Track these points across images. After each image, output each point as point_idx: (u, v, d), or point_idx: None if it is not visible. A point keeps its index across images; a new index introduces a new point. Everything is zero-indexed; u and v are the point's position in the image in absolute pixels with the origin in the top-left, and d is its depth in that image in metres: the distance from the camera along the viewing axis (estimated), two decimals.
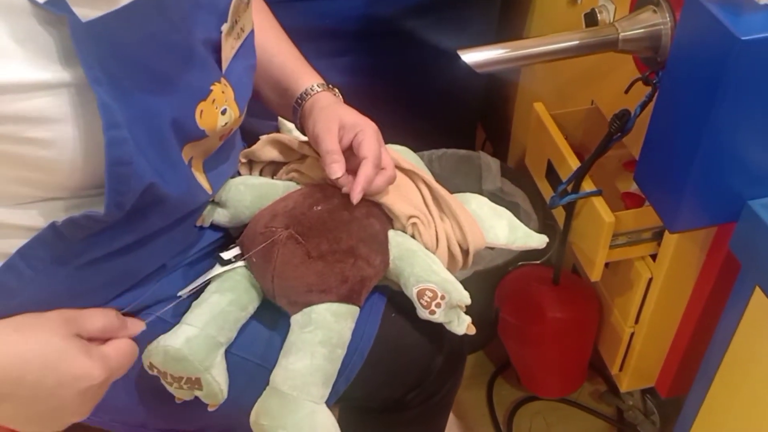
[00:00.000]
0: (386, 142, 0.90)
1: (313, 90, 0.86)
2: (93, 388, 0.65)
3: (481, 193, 1.52)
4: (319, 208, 0.79)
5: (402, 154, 0.93)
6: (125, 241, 0.69)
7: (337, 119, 0.80)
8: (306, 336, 0.75)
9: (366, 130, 0.79)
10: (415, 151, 1.47)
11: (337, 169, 0.77)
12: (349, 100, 1.38)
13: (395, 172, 0.80)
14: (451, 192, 0.88)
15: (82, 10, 0.57)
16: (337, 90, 0.90)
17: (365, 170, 0.77)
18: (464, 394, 1.50)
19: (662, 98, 0.83)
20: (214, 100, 0.72)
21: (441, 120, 1.53)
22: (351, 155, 0.79)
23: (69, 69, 0.58)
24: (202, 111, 0.71)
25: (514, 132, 1.58)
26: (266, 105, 0.93)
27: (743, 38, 0.69)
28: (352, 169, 0.78)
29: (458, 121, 1.60)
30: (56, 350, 0.63)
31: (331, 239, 0.77)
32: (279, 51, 0.91)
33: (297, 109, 0.87)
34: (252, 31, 0.80)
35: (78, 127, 0.60)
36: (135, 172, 0.62)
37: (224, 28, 0.73)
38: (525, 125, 1.30)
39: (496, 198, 1.51)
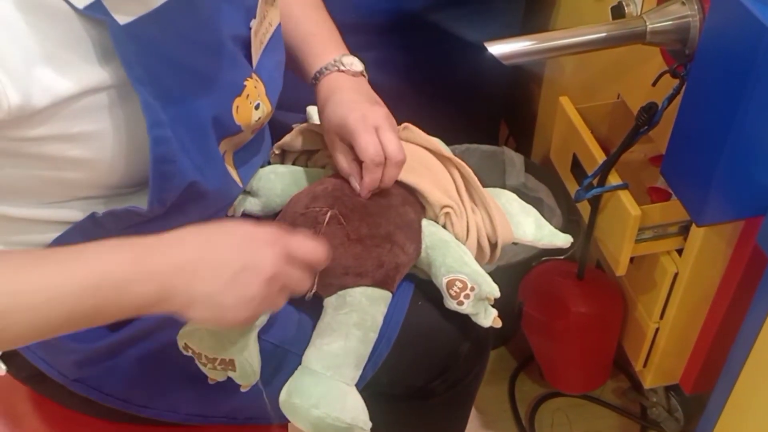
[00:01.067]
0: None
1: (332, 66, 0.84)
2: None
3: (504, 188, 1.53)
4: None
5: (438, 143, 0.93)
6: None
7: (332, 125, 0.80)
8: (341, 317, 0.76)
9: (351, 130, 0.77)
10: None
11: (355, 183, 0.79)
12: None
13: (403, 155, 0.78)
14: (483, 186, 0.88)
15: (118, 14, 0.59)
16: (356, 62, 0.87)
17: (367, 176, 0.77)
18: (486, 389, 1.49)
19: (690, 91, 0.83)
20: (248, 96, 0.74)
21: (465, 115, 1.52)
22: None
23: (110, 71, 0.60)
24: (238, 107, 0.72)
25: (538, 127, 1.57)
26: (291, 69, 0.89)
27: None
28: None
29: (482, 117, 1.60)
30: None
31: (371, 223, 0.77)
32: (307, 18, 0.89)
33: (315, 81, 0.85)
34: (279, 25, 0.80)
35: (119, 128, 0.62)
36: (179, 169, 0.64)
37: (253, 24, 0.74)
38: (550, 119, 1.29)
39: (520, 193, 1.50)
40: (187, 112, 0.66)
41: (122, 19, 0.59)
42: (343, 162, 0.79)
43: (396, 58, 1.36)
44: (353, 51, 1.34)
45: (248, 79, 0.74)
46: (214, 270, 0.61)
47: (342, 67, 0.86)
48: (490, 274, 1.29)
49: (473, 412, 1.45)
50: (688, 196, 0.88)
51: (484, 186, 0.90)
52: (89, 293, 0.57)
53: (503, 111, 1.73)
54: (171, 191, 0.65)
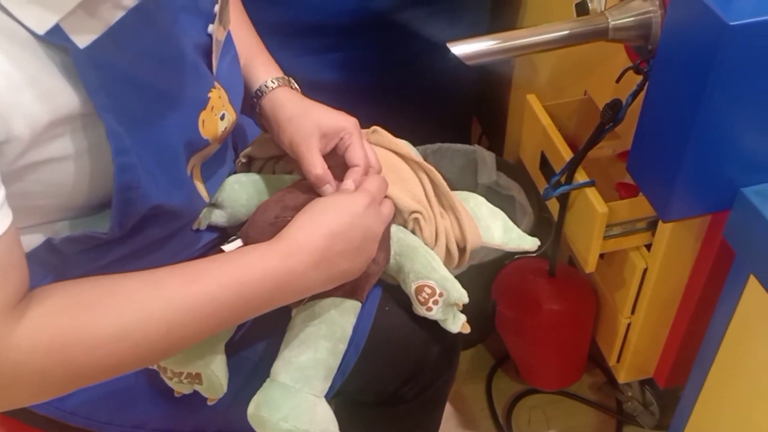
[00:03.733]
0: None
1: (268, 86, 0.83)
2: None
3: (477, 186, 1.53)
4: None
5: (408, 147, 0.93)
6: (121, 253, 0.69)
7: (315, 129, 0.78)
8: (310, 329, 0.75)
9: (351, 132, 0.78)
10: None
11: (330, 190, 0.77)
12: (340, 97, 1.38)
13: (380, 166, 0.80)
14: (451, 189, 0.88)
15: (78, 36, 0.57)
16: (292, 80, 0.87)
17: (357, 180, 0.76)
18: (463, 388, 1.49)
19: (653, 87, 0.83)
20: (213, 108, 0.72)
21: (435, 114, 1.52)
22: (334, 154, 0.79)
23: (78, 97, 0.58)
24: (204, 120, 0.71)
25: (509, 125, 1.57)
26: None
27: (732, 23, 0.68)
28: (337, 168, 0.78)
29: (453, 115, 1.60)
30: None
31: None
32: (241, 36, 0.87)
33: (255, 104, 0.84)
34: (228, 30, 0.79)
35: (83, 154, 0.60)
36: (142, 194, 0.63)
37: (212, 28, 0.72)
38: (520, 117, 1.29)
39: (492, 191, 1.51)
40: (153, 134, 0.64)
41: (82, 41, 0.57)
42: (320, 168, 0.77)
43: (363, 58, 1.35)
44: (320, 52, 1.34)
45: (212, 90, 0.73)
46: (344, 250, 0.69)
47: (293, 85, 0.86)
48: (462, 275, 1.29)
49: (450, 412, 1.46)
50: (653, 192, 0.88)
51: (455, 188, 0.90)
52: (246, 301, 0.65)
53: (475, 109, 1.73)
54: (133, 216, 0.63)
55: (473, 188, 1.52)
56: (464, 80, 1.51)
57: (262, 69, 0.85)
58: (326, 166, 0.77)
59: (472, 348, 1.56)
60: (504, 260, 1.34)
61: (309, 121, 0.78)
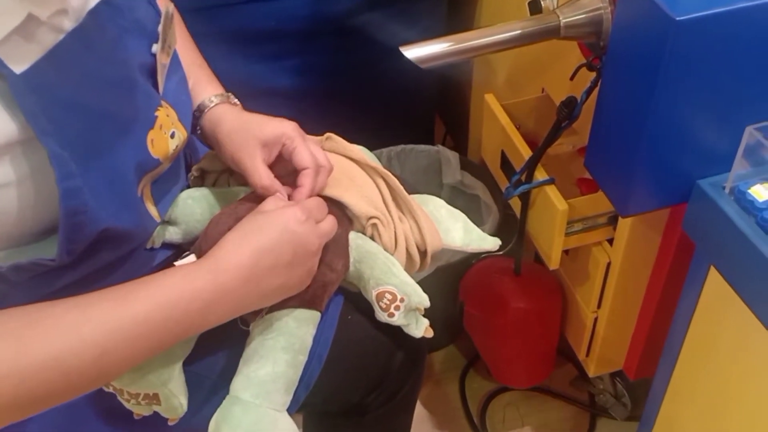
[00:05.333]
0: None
1: (206, 105, 0.82)
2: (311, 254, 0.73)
3: (441, 186, 1.54)
4: None
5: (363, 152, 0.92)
6: (73, 278, 0.67)
7: (255, 140, 0.77)
8: (268, 342, 0.74)
9: (291, 136, 0.77)
10: (373, 148, 1.47)
11: (281, 198, 0.76)
12: (298, 103, 1.38)
13: (330, 163, 0.79)
14: (410, 193, 0.87)
15: (13, 62, 0.55)
16: (232, 95, 0.86)
17: (309, 182, 0.76)
18: (437, 390, 1.49)
19: (606, 83, 0.83)
20: (161, 126, 0.71)
21: (397, 115, 1.52)
22: (282, 162, 0.78)
23: (17, 123, 0.56)
24: (153, 140, 0.70)
25: (472, 124, 1.58)
26: None
27: (678, 18, 0.69)
28: (288, 176, 0.77)
29: (415, 116, 1.60)
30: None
31: None
32: (183, 53, 0.85)
33: (196, 123, 0.83)
34: (175, 49, 0.78)
35: (27, 180, 0.59)
36: (90, 219, 0.61)
37: (156, 49, 0.71)
38: (481, 117, 1.30)
39: (457, 191, 1.52)
40: (101, 157, 0.63)
41: (19, 66, 0.56)
42: (266, 179, 0.76)
43: (320, 63, 1.35)
44: (276, 59, 1.33)
45: (159, 108, 0.72)
46: (274, 266, 0.68)
47: (233, 100, 0.85)
48: (429, 276, 1.29)
49: (425, 414, 1.46)
50: (611, 188, 0.88)
51: (415, 191, 0.90)
52: (178, 321, 0.64)
53: (438, 110, 1.73)
54: (81, 241, 0.62)
55: (438, 188, 1.53)
56: (424, 81, 1.51)
57: (201, 87, 0.84)
58: (272, 176, 0.76)
59: (443, 349, 1.56)
60: (471, 260, 1.35)
61: (247, 134, 0.78)
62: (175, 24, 0.76)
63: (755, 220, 0.78)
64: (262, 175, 0.76)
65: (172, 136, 0.73)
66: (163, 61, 0.73)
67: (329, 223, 0.75)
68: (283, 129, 0.77)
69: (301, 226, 0.70)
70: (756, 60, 0.75)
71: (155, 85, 0.73)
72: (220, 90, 0.85)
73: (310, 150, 0.77)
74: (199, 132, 0.84)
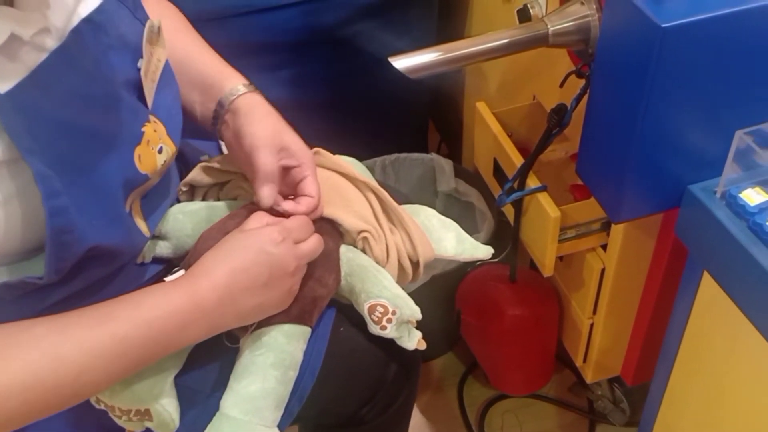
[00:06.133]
0: (337, 153, 0.89)
1: (238, 90, 0.82)
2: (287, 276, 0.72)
3: (436, 194, 1.54)
4: None
5: (352, 165, 0.92)
6: (63, 295, 0.67)
7: (279, 141, 0.78)
8: (257, 359, 0.74)
9: (308, 164, 0.79)
10: (368, 157, 1.48)
11: (268, 193, 0.76)
12: (293, 114, 1.37)
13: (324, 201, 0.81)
14: (401, 203, 0.88)
15: None
16: (260, 91, 0.85)
17: (310, 208, 0.77)
18: (435, 397, 1.49)
19: (595, 90, 0.84)
20: (148, 142, 0.71)
21: (390, 125, 1.52)
22: (282, 172, 0.79)
23: (2, 143, 0.56)
24: (140, 156, 0.70)
25: (465, 132, 1.58)
26: (185, 111, 0.86)
27: (664, 26, 0.69)
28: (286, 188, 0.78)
29: (408, 125, 1.60)
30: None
31: None
32: (198, 51, 0.87)
33: (220, 111, 0.82)
34: (167, 61, 0.78)
35: (13, 200, 0.59)
36: (77, 237, 0.61)
37: (141, 64, 0.71)
38: (474, 125, 1.30)
39: (451, 199, 1.52)
40: (87, 175, 0.63)
41: (3, 86, 0.56)
42: (271, 176, 0.77)
43: (313, 74, 1.35)
44: (269, 70, 1.33)
45: (146, 124, 0.72)
46: (249, 287, 0.69)
47: (252, 89, 0.83)
48: (426, 285, 1.29)
49: (423, 421, 1.46)
50: (603, 194, 0.88)
51: (413, 194, 0.90)
52: (155, 339, 0.64)
53: (429, 116, 1.73)
54: (69, 259, 0.62)
55: (433, 196, 1.53)
56: (417, 90, 1.51)
57: (233, 76, 0.83)
58: (277, 168, 0.77)
59: (441, 357, 1.56)
60: (467, 268, 1.35)
61: (276, 131, 0.78)
62: (163, 37, 0.76)
63: (747, 224, 0.78)
64: (272, 172, 0.76)
65: (160, 151, 0.73)
66: (150, 76, 0.73)
67: (311, 244, 0.75)
68: (303, 152, 0.79)
69: (277, 247, 0.71)
70: (743, 64, 0.76)
71: (142, 99, 0.72)
72: (246, 81, 0.84)
73: (319, 185, 0.79)
74: (221, 117, 0.82)
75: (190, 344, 0.69)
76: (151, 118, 0.73)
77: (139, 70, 0.71)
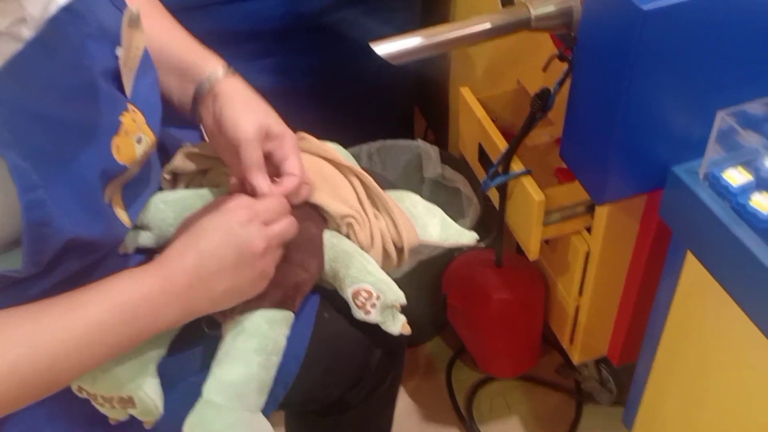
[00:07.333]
0: (322, 140, 0.89)
1: (218, 74, 0.81)
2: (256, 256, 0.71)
3: (423, 181, 1.54)
4: None
5: (337, 151, 0.92)
6: (43, 286, 0.67)
7: (264, 129, 0.77)
8: (240, 344, 0.74)
9: (291, 144, 0.78)
10: (353, 144, 1.47)
11: (264, 183, 0.76)
12: (278, 102, 1.37)
13: (312, 183, 0.81)
14: (386, 189, 0.88)
15: None
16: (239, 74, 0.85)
17: (291, 187, 0.77)
18: (423, 382, 1.50)
19: (578, 73, 0.84)
20: (127, 131, 0.70)
21: (376, 111, 1.52)
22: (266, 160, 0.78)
23: None
24: (118, 146, 0.69)
25: (451, 117, 1.58)
26: (163, 95, 0.84)
27: (645, 8, 0.70)
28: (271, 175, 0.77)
29: (394, 111, 1.60)
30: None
31: None
32: (175, 36, 0.85)
33: (199, 95, 0.81)
34: (146, 49, 0.77)
35: None
36: (55, 230, 0.61)
37: (120, 53, 0.71)
38: (459, 111, 1.30)
39: (438, 185, 1.52)
40: (65, 167, 0.62)
41: None
42: (255, 157, 0.76)
43: (297, 62, 1.35)
44: (253, 59, 1.33)
45: (124, 113, 0.70)
46: (218, 269, 0.68)
47: (231, 73, 0.82)
48: (413, 270, 1.30)
49: (412, 406, 1.46)
50: (586, 176, 0.89)
51: (400, 181, 0.90)
52: (128, 324, 0.64)
53: (418, 104, 1.73)
54: (47, 252, 0.61)
55: (419, 183, 1.53)
56: (402, 76, 1.51)
57: (210, 59, 0.82)
58: (263, 160, 0.76)
59: (429, 342, 1.56)
60: (453, 253, 1.35)
61: (259, 110, 0.78)
62: (142, 25, 0.75)
63: (730, 204, 0.79)
64: (257, 155, 0.76)
65: (139, 141, 0.72)
66: (129, 65, 0.72)
67: (282, 225, 0.74)
68: (286, 132, 0.78)
69: (244, 227, 0.70)
70: (724, 46, 0.76)
71: (121, 89, 0.72)
72: (224, 63, 0.83)
73: (302, 164, 0.78)
74: (200, 101, 0.81)
75: (167, 329, 0.68)
76: (130, 107, 0.72)
77: (117, 58, 0.70)
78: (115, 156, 0.68)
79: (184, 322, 0.70)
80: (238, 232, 0.70)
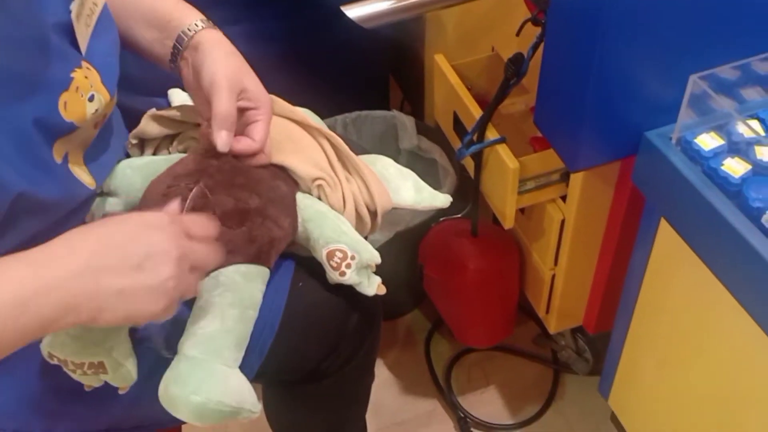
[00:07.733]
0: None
1: (198, 26, 0.78)
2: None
3: (399, 152, 1.53)
4: (225, 166, 0.76)
5: (307, 115, 0.91)
6: (3, 249, 0.65)
7: (240, 82, 0.75)
8: (215, 299, 0.72)
9: (265, 111, 0.77)
10: (329, 115, 1.46)
11: (225, 139, 0.74)
12: None
13: (270, 156, 0.79)
14: (357, 153, 0.86)
15: None
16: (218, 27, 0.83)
17: (247, 150, 0.76)
18: (402, 354, 1.50)
19: (551, 38, 0.83)
20: (77, 88, 0.68)
21: (350, 81, 1.50)
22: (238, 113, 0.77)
23: None
24: (66, 102, 0.67)
25: (427, 87, 1.57)
26: (138, 49, 0.83)
27: None
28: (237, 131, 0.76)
29: (369, 81, 1.58)
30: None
31: (238, 197, 0.75)
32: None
33: (179, 47, 0.79)
34: (105, 4, 0.75)
35: None
36: (0, 183, 0.59)
37: (73, 7, 0.69)
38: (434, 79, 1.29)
39: (414, 156, 1.51)
40: (7, 119, 0.60)
41: None
42: (226, 106, 0.73)
43: (269, 29, 1.32)
44: (223, 25, 1.30)
45: (76, 69, 0.69)
46: (117, 265, 0.59)
47: (211, 26, 0.81)
48: (390, 241, 1.29)
49: (391, 379, 1.47)
50: (560, 143, 0.88)
51: (376, 152, 0.89)
52: (13, 312, 0.54)
53: (394, 74, 1.71)
54: None
55: (395, 154, 1.52)
56: (376, 44, 1.49)
57: (189, 11, 0.80)
58: (234, 113, 0.74)
59: (407, 314, 1.56)
60: (430, 223, 1.35)
61: (239, 70, 0.76)
62: None
63: (701, 169, 0.79)
64: (229, 105, 0.73)
65: (91, 99, 0.70)
66: (84, 20, 0.70)
67: (204, 247, 0.66)
68: (263, 97, 0.77)
69: (161, 228, 0.62)
70: (697, 9, 0.75)
71: (75, 44, 0.70)
72: (203, 17, 0.81)
73: (268, 135, 0.76)
74: (180, 54, 0.79)
75: (32, 338, 0.57)
76: (84, 64, 0.70)
77: (70, 12, 0.68)
78: (61, 112, 0.67)
79: (64, 323, 0.58)
80: (153, 230, 0.62)
